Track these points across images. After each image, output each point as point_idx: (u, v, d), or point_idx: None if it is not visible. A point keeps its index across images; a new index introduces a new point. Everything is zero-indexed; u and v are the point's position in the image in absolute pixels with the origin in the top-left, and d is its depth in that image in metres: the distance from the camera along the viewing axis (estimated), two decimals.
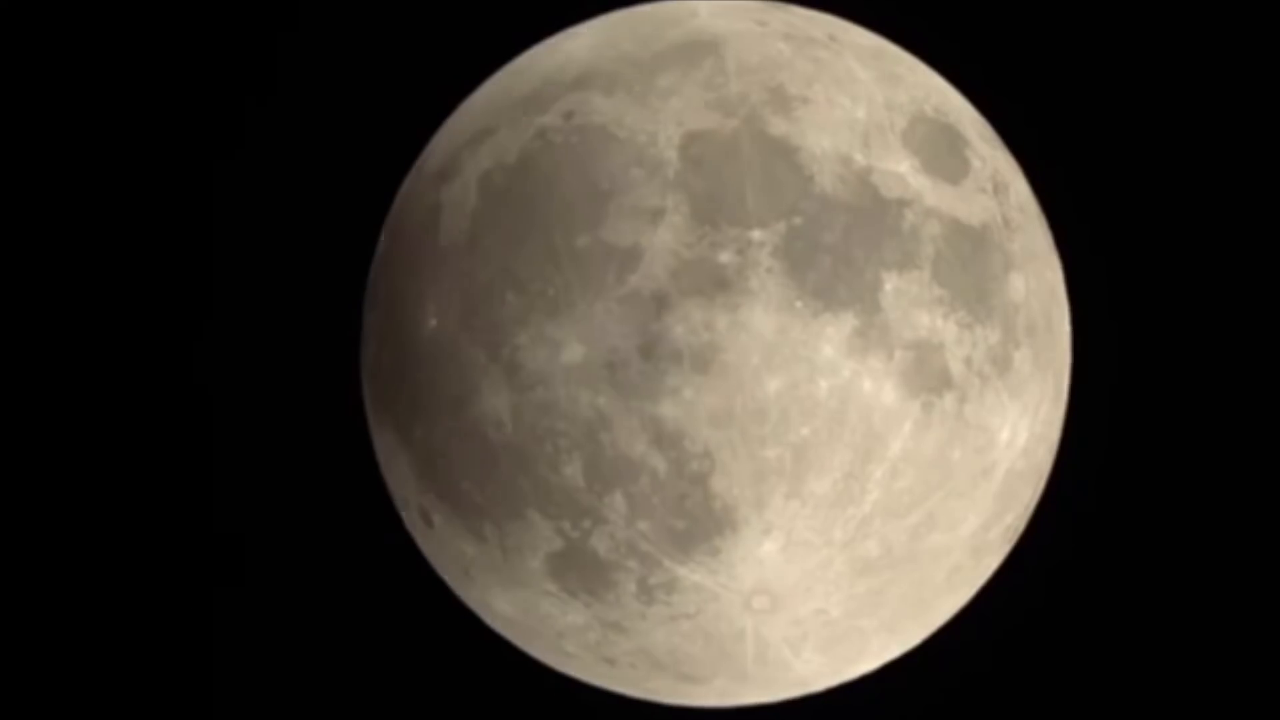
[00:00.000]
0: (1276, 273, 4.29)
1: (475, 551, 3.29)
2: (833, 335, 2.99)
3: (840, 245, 3.02)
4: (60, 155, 4.29)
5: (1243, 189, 4.34)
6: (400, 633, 4.21)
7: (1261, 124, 4.33)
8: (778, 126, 3.09)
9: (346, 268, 3.75)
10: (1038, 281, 3.32)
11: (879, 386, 3.02)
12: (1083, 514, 4.13)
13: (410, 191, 3.46)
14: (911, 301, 3.05)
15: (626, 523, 3.05)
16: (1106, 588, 4.27)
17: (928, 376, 3.06)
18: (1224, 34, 4.34)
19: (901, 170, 3.13)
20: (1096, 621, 4.27)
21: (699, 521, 3.03)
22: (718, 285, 2.96)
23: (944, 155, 3.22)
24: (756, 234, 2.98)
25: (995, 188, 3.29)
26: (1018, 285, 3.24)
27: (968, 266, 3.14)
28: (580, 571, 3.15)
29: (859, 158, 3.10)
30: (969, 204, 3.20)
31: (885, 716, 3.99)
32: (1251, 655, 4.26)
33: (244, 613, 4.26)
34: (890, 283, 3.04)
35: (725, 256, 2.97)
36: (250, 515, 4.27)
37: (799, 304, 2.98)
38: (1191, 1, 4.36)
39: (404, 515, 3.52)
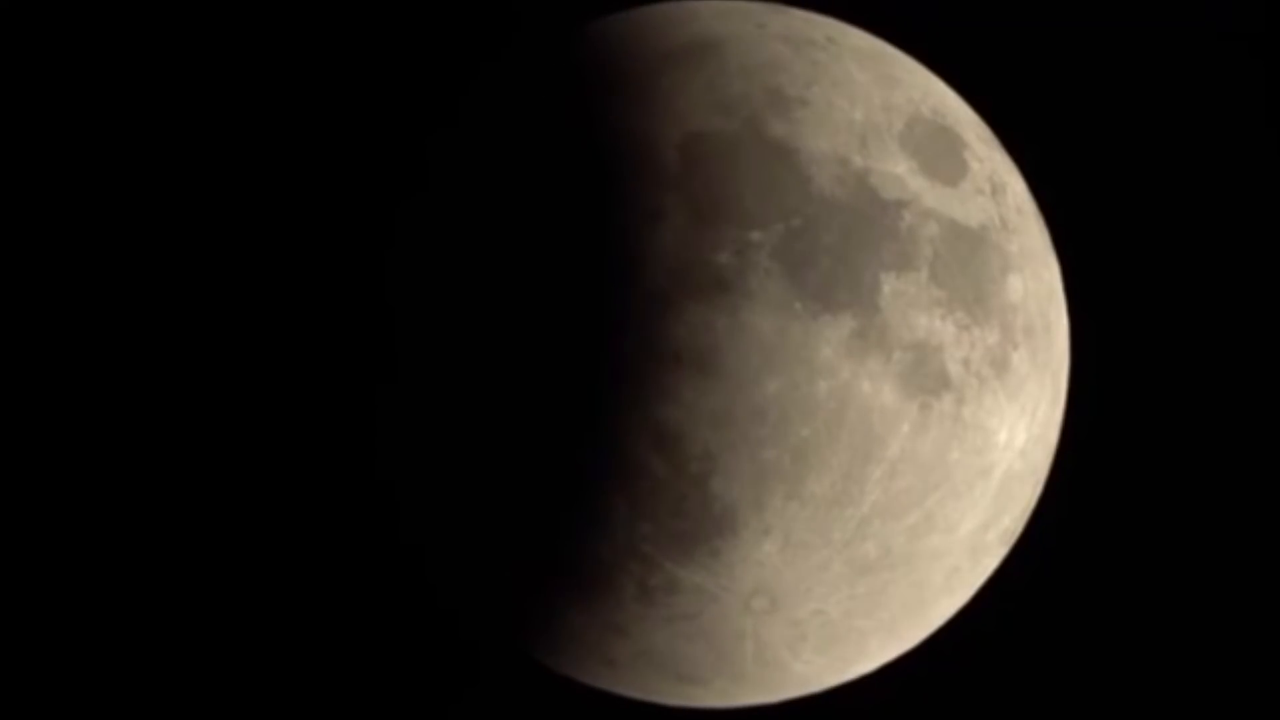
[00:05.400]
0: (1273, 274, 4.30)
1: (476, 553, 3.30)
2: (831, 337, 2.99)
3: (838, 247, 3.02)
4: (60, 155, 4.30)
5: (1240, 191, 4.34)
6: (400, 634, 4.21)
7: (1260, 125, 4.34)
8: (776, 128, 3.09)
9: (342, 270, 3.74)
10: (1035, 282, 3.33)
11: (877, 388, 3.02)
12: (1081, 515, 4.14)
13: (410, 195, 3.46)
14: (909, 303, 3.05)
15: (627, 524, 3.05)
16: (1104, 589, 4.28)
17: (926, 378, 3.06)
18: (1222, 36, 4.35)
19: (899, 172, 3.13)
20: (1094, 622, 4.28)
21: (698, 523, 3.03)
22: (717, 286, 2.96)
23: (942, 157, 3.22)
24: (755, 235, 2.99)
25: (993, 189, 3.29)
26: (1016, 286, 3.25)
27: (966, 268, 3.14)
28: (580, 573, 3.15)
29: (857, 159, 3.10)
30: (966, 205, 3.20)
31: (884, 717, 4.00)
32: (1249, 654, 4.26)
33: (243, 613, 4.26)
34: (888, 284, 3.04)
35: (724, 258, 2.98)
36: (248, 515, 4.27)
37: (798, 305, 2.98)
38: (1188, 4, 4.36)
39: (404, 519, 3.52)
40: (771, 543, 3.06)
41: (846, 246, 3.03)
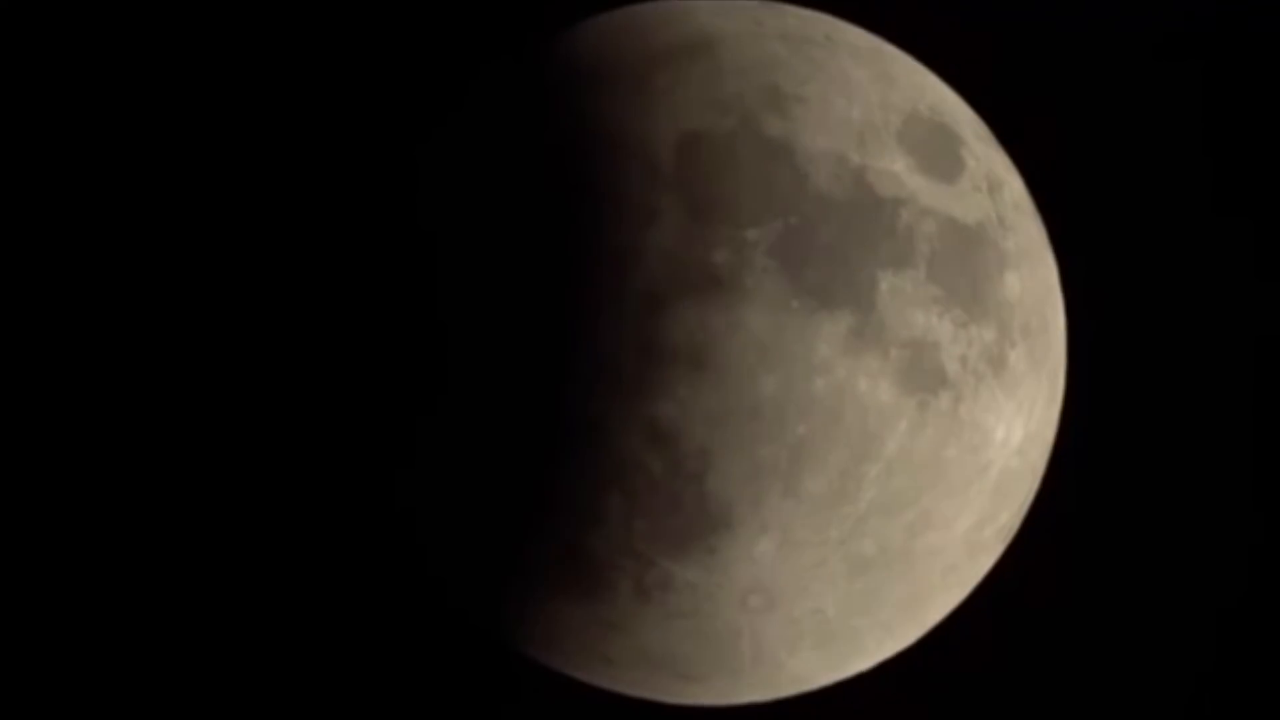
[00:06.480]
0: (1273, 274, 4.30)
1: (473, 551, 3.30)
2: (828, 334, 2.99)
3: (835, 244, 3.02)
4: (60, 155, 4.30)
5: (1240, 191, 4.34)
6: (399, 633, 4.22)
7: (1260, 125, 4.34)
8: (773, 126, 3.09)
9: (336, 271, 3.75)
10: (1033, 280, 3.33)
11: (874, 385, 3.02)
12: (1078, 513, 4.14)
13: (405, 195, 3.47)
14: (907, 300, 3.05)
15: (622, 522, 3.05)
16: (1102, 587, 4.28)
17: (923, 375, 3.06)
18: (1222, 36, 4.35)
19: (896, 169, 3.13)
20: (1092, 621, 4.28)
21: (695, 520, 3.03)
22: (713, 284, 2.96)
23: (939, 154, 3.22)
24: (752, 233, 2.99)
25: (990, 186, 3.29)
26: (1013, 284, 3.25)
27: (963, 265, 3.14)
28: (576, 570, 3.15)
29: (854, 157, 3.10)
30: (964, 203, 3.20)
31: (881, 715, 4.00)
32: (1249, 653, 4.26)
33: (243, 612, 4.27)
34: (885, 281, 3.04)
35: (720, 256, 2.98)
36: (247, 515, 4.28)
37: (794, 303, 2.98)
38: (1189, 4, 4.37)
39: (402, 518, 3.52)
40: (768, 540, 3.06)
41: (844, 244, 3.03)
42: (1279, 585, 4.25)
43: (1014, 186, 3.41)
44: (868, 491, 3.06)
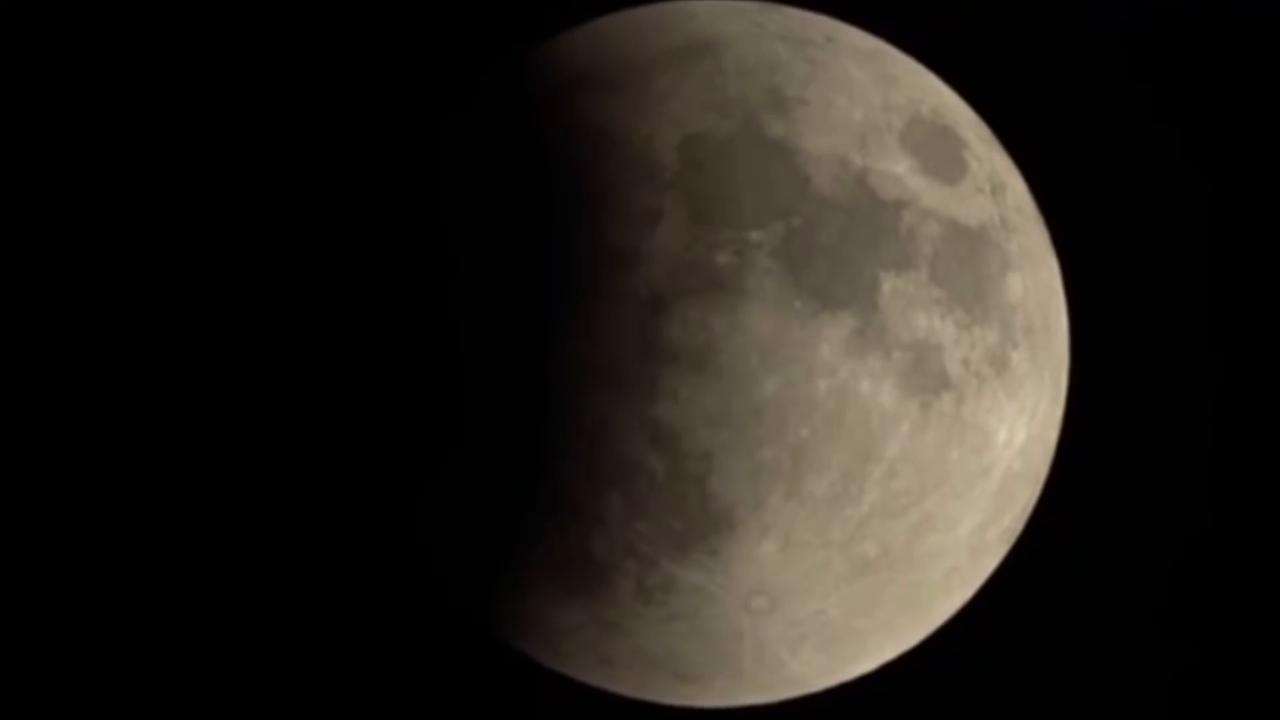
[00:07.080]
0: (1273, 273, 4.30)
1: (474, 552, 3.30)
2: (830, 336, 2.99)
3: (838, 246, 3.02)
4: (60, 155, 4.30)
5: (1240, 191, 4.34)
6: (399, 633, 4.21)
7: (1260, 126, 4.34)
8: (775, 128, 3.09)
9: (341, 274, 3.74)
10: (1035, 282, 3.33)
11: (877, 387, 3.02)
12: (1081, 515, 4.14)
13: (410, 199, 3.47)
14: (909, 302, 3.05)
15: (624, 523, 3.05)
16: (1104, 589, 4.28)
17: (925, 377, 3.06)
18: (1222, 36, 4.35)
19: (899, 171, 3.13)
20: (1095, 623, 4.28)
21: (696, 522, 3.03)
22: (715, 286, 2.96)
23: (941, 156, 3.22)
24: (754, 235, 2.98)
25: (992, 188, 3.29)
26: (1015, 285, 3.25)
27: (965, 267, 3.14)
28: (578, 571, 3.15)
29: (856, 159, 3.10)
30: (966, 205, 3.20)
31: (883, 717, 4.00)
32: (1250, 652, 4.26)
33: (244, 610, 4.27)
34: (888, 283, 3.04)
35: (723, 258, 2.97)
36: (248, 517, 4.28)
37: (797, 304, 2.98)
38: (1189, 4, 4.37)
39: (404, 519, 3.52)
40: (770, 542, 3.06)
41: (846, 246, 3.03)
42: None
43: (1016, 188, 3.41)
44: (870, 493, 3.06)
